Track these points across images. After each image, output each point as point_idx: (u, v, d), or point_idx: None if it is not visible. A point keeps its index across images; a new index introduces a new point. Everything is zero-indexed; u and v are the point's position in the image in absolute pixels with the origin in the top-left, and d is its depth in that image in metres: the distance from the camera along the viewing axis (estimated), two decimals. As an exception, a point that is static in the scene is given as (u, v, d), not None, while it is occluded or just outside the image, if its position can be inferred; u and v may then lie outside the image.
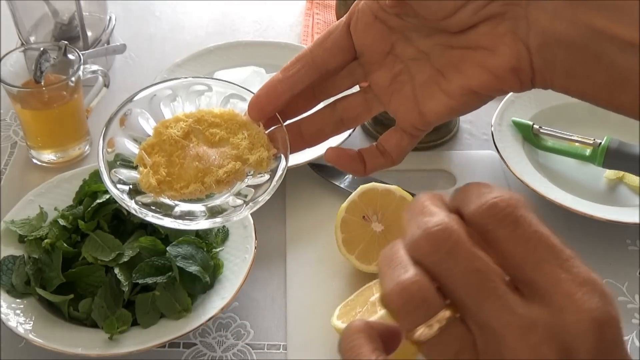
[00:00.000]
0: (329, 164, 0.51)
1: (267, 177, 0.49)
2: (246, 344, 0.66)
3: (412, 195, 0.69)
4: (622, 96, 0.39)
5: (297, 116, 0.51)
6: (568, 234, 0.79)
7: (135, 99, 0.51)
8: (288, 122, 0.51)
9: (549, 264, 0.29)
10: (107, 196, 0.67)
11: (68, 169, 0.79)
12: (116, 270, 0.63)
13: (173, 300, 0.62)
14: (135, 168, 0.49)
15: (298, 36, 1.08)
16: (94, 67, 0.84)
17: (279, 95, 0.49)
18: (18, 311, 0.63)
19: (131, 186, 0.48)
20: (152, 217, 0.47)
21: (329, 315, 0.63)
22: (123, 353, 0.59)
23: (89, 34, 0.94)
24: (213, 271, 0.66)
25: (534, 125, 0.81)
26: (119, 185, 0.48)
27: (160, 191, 0.48)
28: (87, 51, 0.91)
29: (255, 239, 0.68)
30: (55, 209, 0.71)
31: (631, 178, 0.79)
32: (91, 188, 0.69)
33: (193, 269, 0.63)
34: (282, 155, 0.49)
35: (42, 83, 0.80)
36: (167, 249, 0.64)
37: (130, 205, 0.47)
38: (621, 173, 0.79)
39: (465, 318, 0.29)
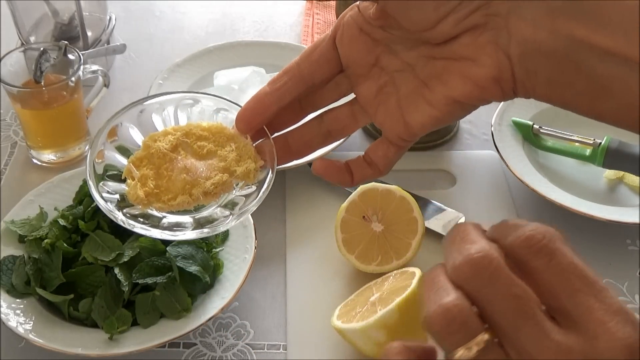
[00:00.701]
0: (317, 174, 0.51)
1: (254, 188, 0.50)
2: (246, 344, 0.66)
3: (412, 195, 0.69)
4: (603, 104, 0.40)
5: (284, 129, 0.52)
6: (568, 234, 0.79)
7: (125, 113, 0.52)
8: (275, 134, 0.51)
9: (583, 294, 0.30)
10: (107, 196, 0.67)
11: (68, 169, 0.79)
12: (116, 270, 0.63)
13: (173, 300, 0.62)
14: (123, 181, 0.50)
15: (298, 36, 1.08)
16: (94, 67, 0.84)
17: (266, 107, 0.49)
18: (18, 311, 0.63)
19: (119, 198, 0.49)
20: (139, 229, 0.48)
21: (329, 315, 0.63)
22: (123, 353, 0.59)
23: (89, 34, 0.94)
24: (213, 271, 0.66)
25: (534, 125, 0.81)
26: (106, 195, 0.49)
27: (148, 203, 0.48)
28: (87, 51, 0.91)
29: (255, 239, 0.68)
30: (55, 209, 0.71)
31: (631, 178, 0.79)
32: (91, 188, 0.69)
33: (193, 269, 0.63)
34: (270, 168, 0.50)
35: (42, 83, 0.80)
36: (167, 249, 0.64)
37: (118, 216, 0.48)
38: (621, 173, 0.79)
39: (503, 342, 0.30)
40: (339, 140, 0.53)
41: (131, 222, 0.48)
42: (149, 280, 0.62)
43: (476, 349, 0.30)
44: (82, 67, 0.80)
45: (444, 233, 0.73)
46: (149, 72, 0.96)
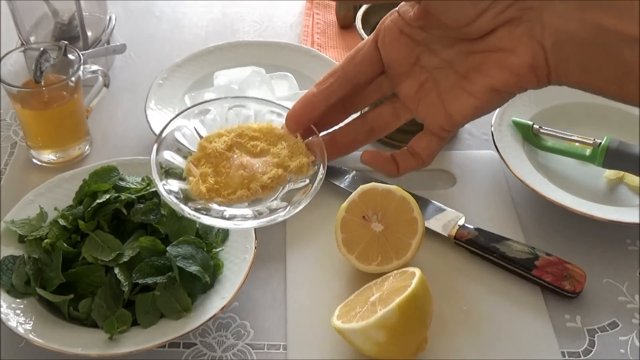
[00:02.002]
0: (365, 164, 0.55)
1: (307, 181, 0.53)
2: (246, 344, 0.66)
3: (412, 195, 0.69)
4: (630, 87, 0.44)
5: (329, 129, 0.56)
6: (568, 234, 0.80)
7: (179, 117, 0.56)
8: (322, 133, 0.55)
9: None
10: (107, 196, 0.67)
11: (68, 169, 0.78)
12: (116, 270, 0.63)
13: (173, 300, 0.62)
14: (183, 179, 0.53)
15: (298, 36, 1.07)
16: (94, 67, 0.84)
17: (314, 107, 0.53)
18: (18, 311, 0.63)
19: (181, 195, 0.52)
20: (205, 219, 0.51)
21: (329, 315, 0.63)
22: (123, 353, 0.59)
23: (89, 34, 0.94)
24: (213, 271, 0.66)
25: (534, 125, 0.81)
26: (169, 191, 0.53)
27: (209, 198, 0.52)
28: (87, 51, 0.91)
29: (255, 239, 0.68)
30: (55, 209, 0.71)
31: (631, 178, 0.79)
32: (91, 188, 0.69)
33: (193, 269, 0.63)
34: (320, 162, 0.54)
35: (42, 83, 0.80)
36: (167, 249, 0.64)
37: (184, 209, 0.51)
38: (621, 173, 0.79)
39: None
40: (382, 136, 0.57)
41: (196, 213, 0.51)
42: (149, 280, 0.62)
43: None
44: (82, 67, 0.80)
45: (444, 233, 0.73)
46: (149, 72, 0.96)
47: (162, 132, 0.55)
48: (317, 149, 0.54)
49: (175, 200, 0.51)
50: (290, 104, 0.85)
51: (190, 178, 0.53)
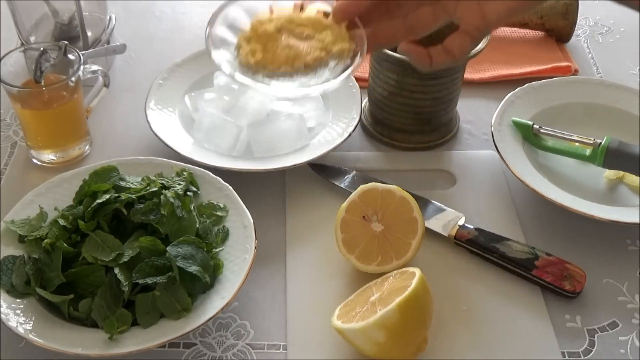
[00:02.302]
0: (403, 56, 0.63)
1: (346, 65, 0.60)
2: (246, 344, 0.66)
3: (412, 195, 0.69)
4: None
5: (372, 25, 0.62)
6: (568, 234, 0.79)
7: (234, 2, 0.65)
8: (365, 29, 0.61)
9: None
10: (107, 196, 0.67)
11: (68, 169, 0.78)
12: (116, 270, 0.63)
13: (173, 300, 0.62)
14: (233, 54, 0.61)
15: (298, 36, 1.07)
16: (94, 67, 0.84)
17: (360, 1, 0.60)
18: (18, 311, 0.63)
19: (231, 65, 0.60)
20: (250, 82, 0.59)
21: (329, 315, 0.63)
22: (123, 353, 0.59)
23: (89, 34, 0.94)
24: (213, 271, 0.66)
25: (534, 125, 0.81)
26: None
27: (256, 70, 0.60)
28: (87, 51, 0.91)
29: (255, 238, 0.68)
30: (55, 209, 0.71)
31: (631, 178, 0.79)
32: (91, 188, 0.69)
33: (193, 269, 0.63)
34: (360, 51, 0.61)
35: (42, 83, 0.80)
36: (167, 249, 0.64)
37: (236, 75, 0.59)
38: (621, 173, 0.79)
39: None
40: (420, 36, 0.63)
41: (245, 78, 0.59)
42: (149, 280, 0.62)
43: None
44: (82, 67, 0.80)
45: (444, 233, 0.73)
46: (149, 72, 0.96)
47: (220, 7, 0.62)
48: (359, 40, 0.60)
49: (228, 68, 0.59)
50: (291, 104, 0.86)
51: (241, 51, 0.60)
